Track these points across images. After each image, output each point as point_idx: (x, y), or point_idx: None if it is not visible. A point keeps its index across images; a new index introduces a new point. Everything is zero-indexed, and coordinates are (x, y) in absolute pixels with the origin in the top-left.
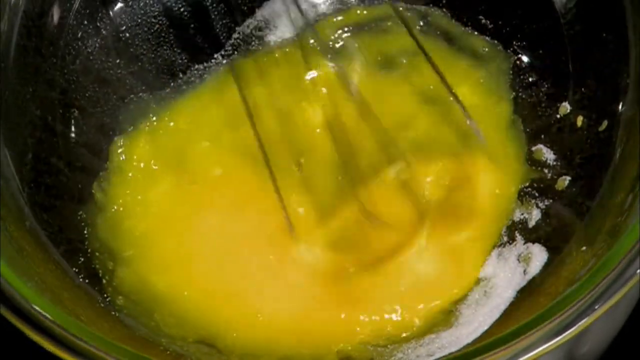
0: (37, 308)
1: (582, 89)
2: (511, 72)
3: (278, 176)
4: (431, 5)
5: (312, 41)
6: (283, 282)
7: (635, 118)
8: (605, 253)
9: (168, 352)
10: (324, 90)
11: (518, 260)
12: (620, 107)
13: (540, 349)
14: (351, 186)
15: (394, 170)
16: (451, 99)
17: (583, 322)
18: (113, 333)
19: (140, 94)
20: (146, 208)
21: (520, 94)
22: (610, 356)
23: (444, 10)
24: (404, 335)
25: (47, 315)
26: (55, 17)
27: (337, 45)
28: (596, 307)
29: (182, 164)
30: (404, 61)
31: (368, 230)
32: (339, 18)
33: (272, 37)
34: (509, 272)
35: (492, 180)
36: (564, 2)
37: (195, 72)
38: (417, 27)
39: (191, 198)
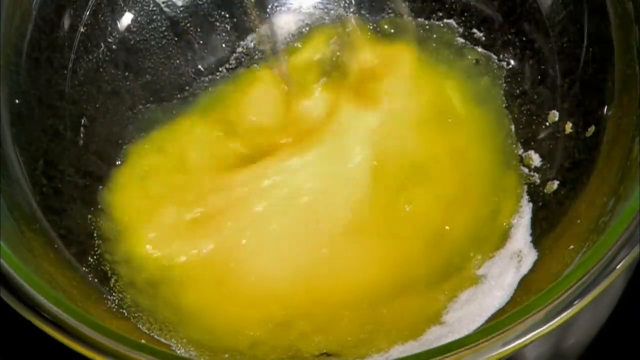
0: (49, 303)
1: (571, 98)
2: (503, 82)
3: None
4: (424, 17)
5: (315, 55)
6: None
7: (617, 123)
8: (590, 250)
9: (172, 349)
10: (322, 100)
11: (510, 260)
12: (605, 113)
13: (526, 338)
14: None
15: None
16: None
17: (568, 313)
18: (122, 329)
19: (148, 104)
20: (152, 211)
21: (511, 103)
22: (596, 348)
23: (440, 23)
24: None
25: (61, 311)
26: (66, 31)
27: (336, 57)
28: (578, 300)
29: (186, 170)
30: (401, 72)
31: None
32: (338, 29)
33: (274, 51)
34: (500, 272)
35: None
36: (552, 16)
37: (201, 84)
38: (415, 39)
39: (196, 202)
